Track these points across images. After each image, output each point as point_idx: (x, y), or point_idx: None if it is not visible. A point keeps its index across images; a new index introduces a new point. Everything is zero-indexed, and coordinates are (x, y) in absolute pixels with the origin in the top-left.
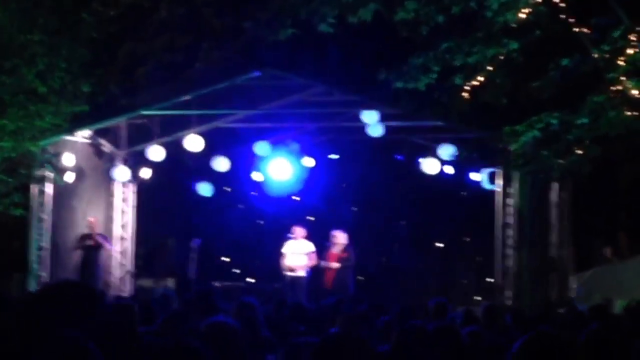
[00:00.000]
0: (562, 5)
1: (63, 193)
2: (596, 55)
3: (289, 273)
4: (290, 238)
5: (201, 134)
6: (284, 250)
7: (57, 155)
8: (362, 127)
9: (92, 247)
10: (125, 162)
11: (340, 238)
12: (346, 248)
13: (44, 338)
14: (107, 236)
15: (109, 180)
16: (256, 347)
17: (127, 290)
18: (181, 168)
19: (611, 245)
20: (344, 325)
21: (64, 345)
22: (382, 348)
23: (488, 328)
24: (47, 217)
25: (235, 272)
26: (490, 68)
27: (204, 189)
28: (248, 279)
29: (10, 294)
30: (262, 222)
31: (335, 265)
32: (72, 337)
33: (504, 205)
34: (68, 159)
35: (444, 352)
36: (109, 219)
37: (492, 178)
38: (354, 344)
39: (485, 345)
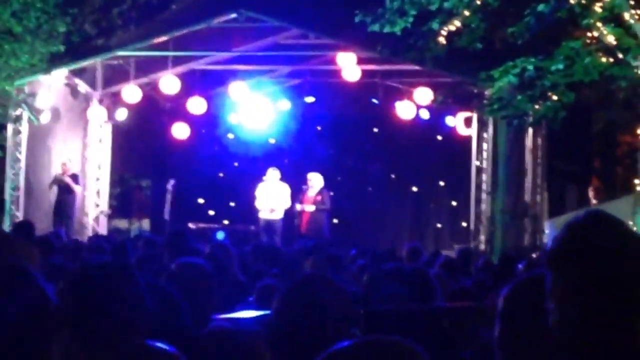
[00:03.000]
0: None
1: (38, 133)
2: (572, 1)
3: (263, 216)
4: (265, 181)
5: (177, 75)
6: (258, 192)
7: (33, 95)
8: (337, 70)
9: (67, 188)
10: (101, 103)
11: (314, 180)
12: (321, 191)
13: None
14: (78, 176)
15: (84, 121)
16: (229, 288)
17: (101, 230)
18: (157, 109)
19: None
20: (315, 267)
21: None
22: (353, 289)
23: (462, 272)
24: (22, 157)
25: (210, 214)
26: (466, 13)
27: (180, 131)
28: (223, 221)
29: None
30: (237, 164)
31: (311, 207)
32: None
33: (479, 150)
34: (44, 99)
35: (414, 295)
36: (84, 159)
37: (467, 122)
38: (324, 285)
39: (457, 288)
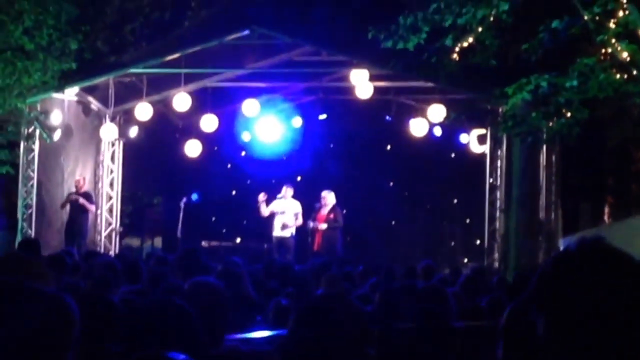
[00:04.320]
0: None
1: (50, 151)
2: (586, 17)
3: (276, 233)
4: (278, 199)
5: (189, 92)
6: (271, 209)
7: (45, 112)
8: (350, 87)
9: (79, 206)
10: (113, 120)
11: (328, 199)
12: (334, 209)
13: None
14: (92, 194)
15: (96, 139)
16: (242, 307)
17: (114, 248)
18: (169, 127)
19: (601, 208)
20: (328, 286)
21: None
22: (367, 308)
23: (477, 290)
24: (34, 174)
25: (223, 232)
26: (480, 29)
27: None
28: (236, 239)
29: None
30: (249, 182)
31: (323, 226)
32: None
33: (493, 167)
34: (56, 117)
35: (428, 313)
36: (96, 177)
37: (480, 140)
38: (339, 305)
39: (472, 307)
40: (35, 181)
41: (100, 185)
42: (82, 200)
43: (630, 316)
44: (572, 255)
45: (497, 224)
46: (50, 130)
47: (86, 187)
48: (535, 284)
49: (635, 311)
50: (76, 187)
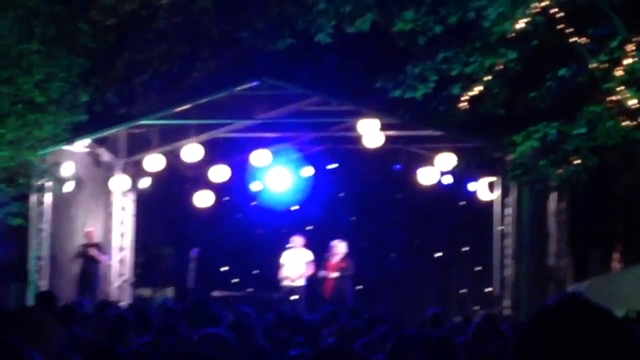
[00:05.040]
0: (560, 15)
1: (62, 203)
2: (593, 66)
3: (287, 283)
4: (289, 248)
5: (200, 143)
6: (282, 260)
7: (56, 164)
8: (360, 136)
9: (91, 257)
10: (124, 172)
11: (339, 248)
12: (345, 257)
13: None
14: (104, 247)
15: (107, 190)
16: (253, 358)
17: (125, 299)
18: (180, 177)
19: (610, 255)
20: (339, 337)
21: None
22: (377, 357)
23: (484, 337)
24: (46, 226)
25: (234, 282)
26: (487, 78)
27: (203, 199)
28: (247, 289)
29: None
30: (260, 232)
31: (334, 274)
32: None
33: (502, 214)
34: (67, 169)
35: None
36: (107, 229)
37: (490, 188)
38: (345, 357)
39: (481, 356)
40: (46, 233)
41: (111, 236)
42: (94, 253)
43: None
44: (550, 312)
45: (507, 271)
46: (61, 182)
47: (97, 238)
48: (514, 341)
49: None
50: (87, 238)
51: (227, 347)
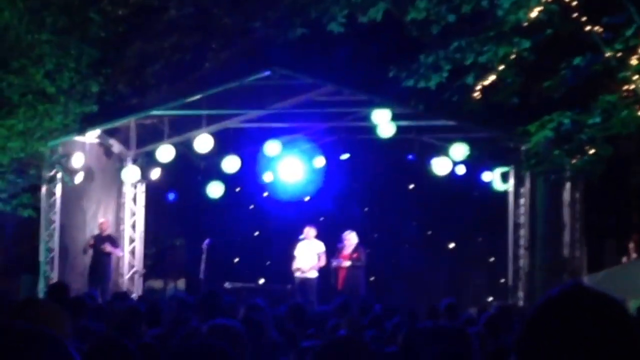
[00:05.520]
0: (574, 4)
1: (72, 194)
2: (608, 54)
3: (299, 274)
4: (301, 239)
5: (211, 134)
6: (295, 251)
7: (67, 155)
8: (372, 126)
9: (102, 249)
10: (135, 162)
11: (351, 238)
12: (357, 248)
13: None
14: (117, 238)
15: (118, 181)
16: (265, 350)
17: (136, 291)
18: (191, 168)
19: (625, 245)
20: (350, 329)
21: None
22: (389, 349)
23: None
24: (56, 218)
25: (246, 274)
26: (501, 67)
27: (214, 190)
28: (259, 280)
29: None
30: (272, 223)
31: (347, 263)
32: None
33: (516, 205)
34: (77, 160)
35: (451, 354)
36: (118, 220)
37: (504, 178)
38: (356, 349)
39: (497, 348)
40: (57, 224)
41: (122, 227)
42: (108, 249)
43: None
44: (553, 302)
45: (522, 262)
46: (71, 173)
47: (109, 229)
48: (518, 332)
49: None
50: (100, 229)
51: (236, 339)
